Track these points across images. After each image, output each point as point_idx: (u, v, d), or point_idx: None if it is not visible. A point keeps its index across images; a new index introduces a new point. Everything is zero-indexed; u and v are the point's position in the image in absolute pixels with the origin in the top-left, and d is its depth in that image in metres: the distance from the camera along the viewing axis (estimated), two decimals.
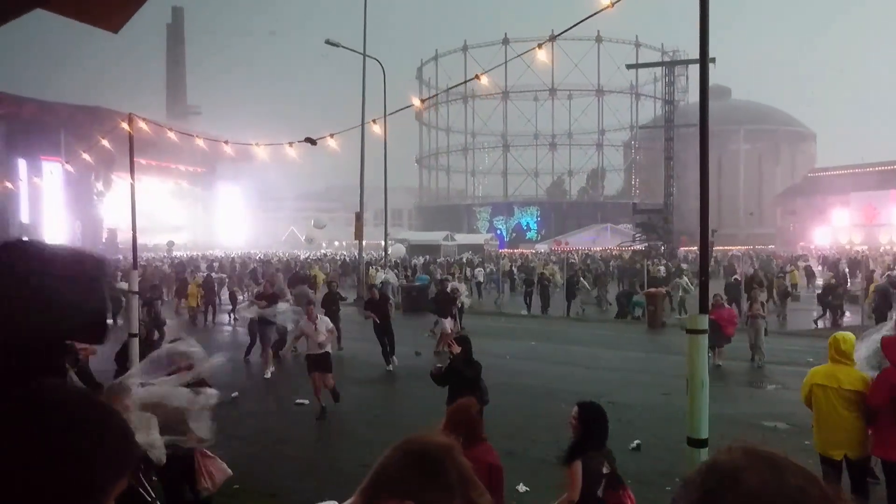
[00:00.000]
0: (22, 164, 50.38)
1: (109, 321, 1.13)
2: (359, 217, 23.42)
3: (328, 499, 2.82)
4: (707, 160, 3.79)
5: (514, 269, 35.09)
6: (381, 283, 22.56)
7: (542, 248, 63.11)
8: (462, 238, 66.20)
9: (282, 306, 13.59)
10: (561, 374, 12.89)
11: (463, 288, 20.74)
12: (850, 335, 5.74)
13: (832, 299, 19.43)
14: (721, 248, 49.94)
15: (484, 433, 4.31)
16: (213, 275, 27.21)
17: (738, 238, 73.65)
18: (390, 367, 13.43)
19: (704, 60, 3.83)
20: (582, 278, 26.65)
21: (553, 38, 9.85)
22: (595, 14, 5.98)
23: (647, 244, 46.91)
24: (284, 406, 10.72)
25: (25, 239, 1.11)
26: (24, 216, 53.73)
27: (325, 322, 10.46)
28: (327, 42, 24.86)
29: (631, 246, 51.41)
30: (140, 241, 13.81)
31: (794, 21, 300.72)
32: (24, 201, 49.97)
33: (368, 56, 24.35)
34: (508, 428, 8.32)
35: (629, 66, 62.51)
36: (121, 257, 47.35)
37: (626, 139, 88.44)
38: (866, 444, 5.43)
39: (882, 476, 5.54)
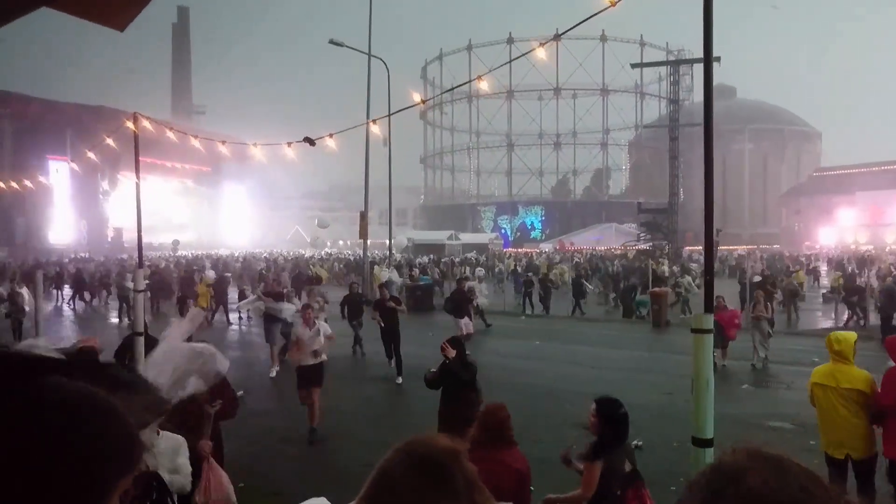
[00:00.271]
0: (29, 162, 50.56)
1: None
2: (363, 216, 23.43)
3: (330, 498, 2.83)
4: (711, 159, 3.78)
5: (519, 269, 35.08)
6: (386, 282, 22.52)
7: (547, 247, 63.06)
8: (466, 237, 66.22)
9: (287, 306, 13.48)
10: (564, 374, 12.88)
11: (484, 288, 20.46)
12: (843, 334, 5.76)
13: (858, 300, 19.33)
14: (725, 247, 49.85)
15: (514, 437, 4.24)
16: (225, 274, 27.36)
17: (743, 238, 73.50)
18: (399, 381, 12.37)
19: (708, 59, 3.82)
20: (585, 280, 26.56)
21: (558, 38, 9.82)
22: (599, 13, 5.97)
23: (651, 244, 46.80)
24: (288, 405, 10.72)
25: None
26: (31, 215, 54.02)
27: (323, 328, 9.48)
28: (331, 42, 24.87)
29: (635, 245, 51.30)
30: (146, 240, 13.84)
31: (799, 19, 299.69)
32: (30, 200, 50.10)
33: (373, 56, 24.38)
34: None
35: (634, 66, 62.42)
36: (126, 256, 47.58)
37: (631, 138, 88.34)
38: (870, 444, 5.41)
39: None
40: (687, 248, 48.31)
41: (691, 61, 51.89)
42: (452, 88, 12.50)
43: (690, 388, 3.72)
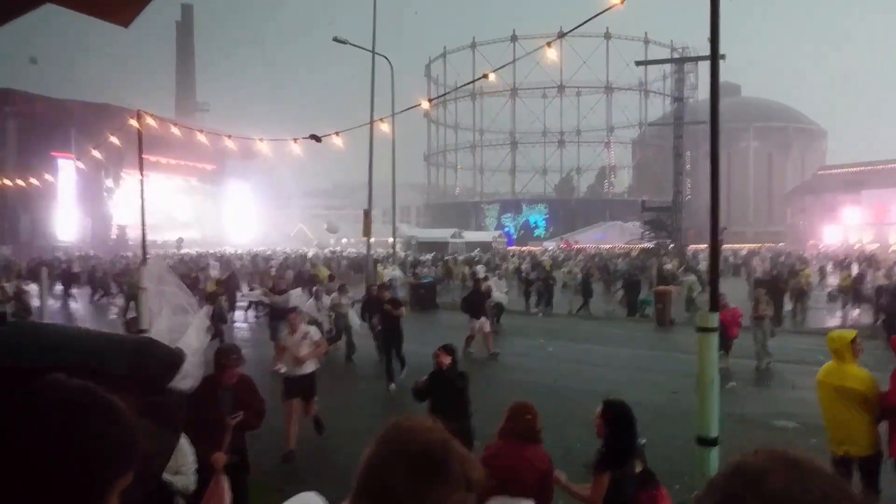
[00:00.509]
0: (33, 160, 50.75)
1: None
2: (367, 214, 23.37)
3: (331, 496, 2.82)
4: (717, 157, 3.77)
5: (523, 268, 35.00)
6: (389, 280, 22.54)
7: (551, 245, 63.00)
8: (470, 235, 66.22)
9: (295, 292, 13.46)
10: (568, 372, 12.85)
11: (503, 286, 20.18)
12: (840, 332, 5.77)
13: (883, 300, 19.20)
14: (730, 245, 49.67)
15: (541, 436, 4.17)
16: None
17: (747, 236, 73.33)
18: (393, 387, 11.40)
19: (715, 57, 3.80)
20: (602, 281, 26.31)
21: (562, 35, 9.81)
22: (604, 11, 5.95)
23: (655, 242, 46.71)
24: None
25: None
26: (36, 213, 54.18)
27: (312, 333, 8.39)
28: (335, 40, 24.82)
29: (640, 244, 51.22)
30: (149, 237, 13.89)
31: (804, 17, 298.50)
32: (35, 198, 50.22)
33: (376, 53, 24.32)
34: None
35: (638, 63, 62.30)
36: (130, 254, 47.66)
37: (635, 136, 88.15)
38: (871, 443, 5.39)
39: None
40: (691, 246, 48.19)
41: (696, 59, 51.73)
42: (457, 88, 12.49)
43: (695, 387, 3.70)
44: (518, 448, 3.95)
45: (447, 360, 6.30)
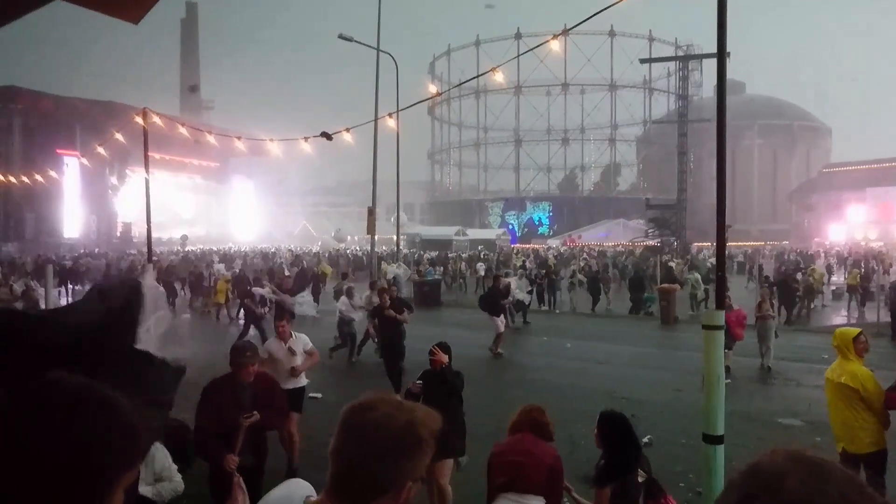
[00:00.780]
0: (38, 158, 50.91)
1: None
2: (371, 212, 23.38)
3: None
4: (724, 155, 3.76)
5: (528, 266, 34.94)
6: (393, 278, 22.49)
7: (555, 243, 62.92)
8: (474, 233, 66.17)
9: (303, 296, 13.40)
10: (573, 370, 12.85)
11: (525, 286, 20.01)
12: (840, 330, 5.78)
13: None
14: (734, 243, 49.54)
15: (553, 435, 4.18)
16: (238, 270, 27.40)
17: (752, 234, 73.10)
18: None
19: (722, 54, 3.80)
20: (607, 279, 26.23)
21: (566, 33, 9.80)
22: (608, 8, 5.94)
23: (659, 240, 46.64)
24: None
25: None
26: (41, 210, 54.30)
27: (303, 342, 7.55)
28: (340, 37, 24.80)
29: (643, 242, 51.12)
30: (154, 235, 13.92)
31: (809, 14, 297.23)
32: (40, 196, 50.33)
33: (381, 51, 24.31)
34: None
35: (642, 61, 62.10)
36: (135, 252, 47.77)
37: (639, 134, 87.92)
38: (871, 440, 5.37)
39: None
40: (695, 244, 48.11)
41: (700, 56, 51.61)
42: (461, 84, 12.49)
43: (700, 384, 3.69)
44: (527, 444, 3.96)
45: (445, 358, 6.19)
